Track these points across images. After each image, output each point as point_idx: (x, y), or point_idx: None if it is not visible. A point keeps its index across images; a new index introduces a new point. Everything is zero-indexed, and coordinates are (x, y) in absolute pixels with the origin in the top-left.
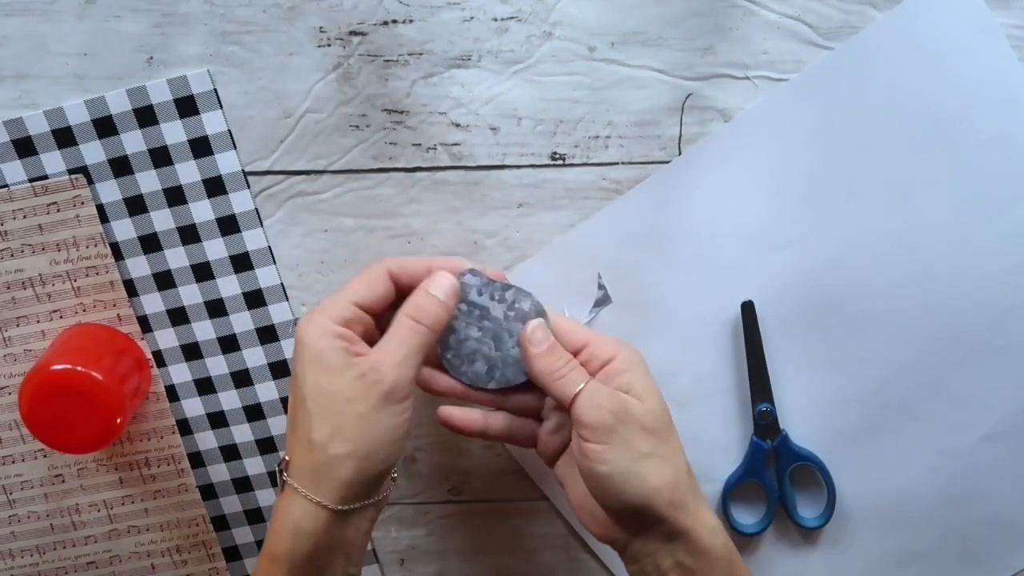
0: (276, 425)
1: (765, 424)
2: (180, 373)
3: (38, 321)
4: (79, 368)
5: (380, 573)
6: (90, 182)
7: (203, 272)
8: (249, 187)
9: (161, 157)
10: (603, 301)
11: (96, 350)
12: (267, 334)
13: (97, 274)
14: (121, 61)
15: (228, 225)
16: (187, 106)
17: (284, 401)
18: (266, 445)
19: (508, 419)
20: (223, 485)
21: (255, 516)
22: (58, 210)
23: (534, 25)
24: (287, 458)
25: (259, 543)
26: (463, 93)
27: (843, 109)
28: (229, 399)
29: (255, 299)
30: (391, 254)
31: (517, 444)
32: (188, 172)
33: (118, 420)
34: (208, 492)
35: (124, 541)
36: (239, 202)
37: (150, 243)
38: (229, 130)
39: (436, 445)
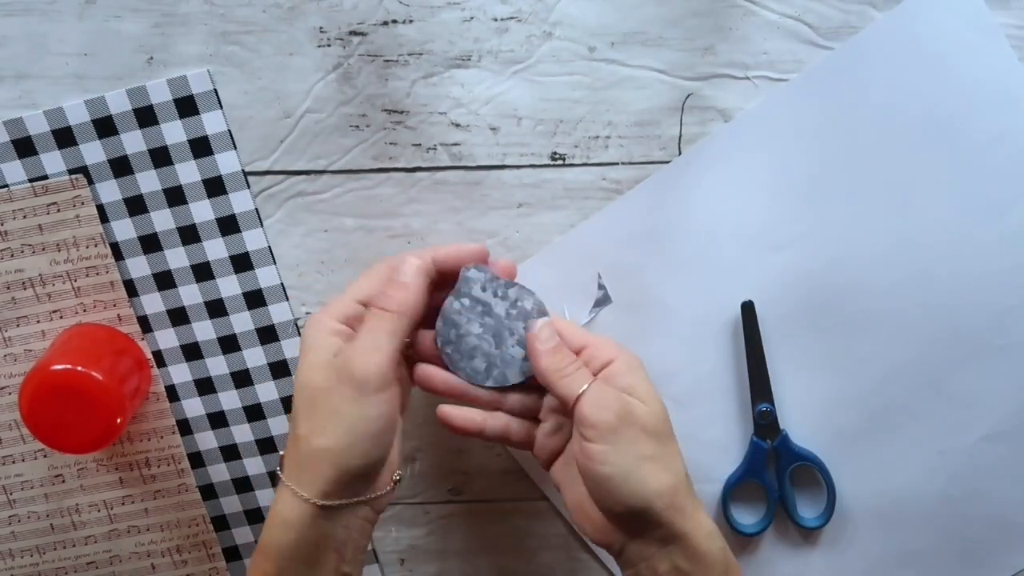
0: (276, 425)
1: (765, 424)
2: (180, 373)
3: (38, 321)
4: (79, 368)
5: (380, 573)
6: (90, 182)
7: (203, 272)
8: (249, 187)
9: (161, 157)
10: (603, 301)
11: (96, 350)
12: (267, 334)
13: (97, 274)
14: (121, 61)
15: (228, 225)
16: (187, 106)
17: (284, 401)
18: (266, 445)
19: (506, 419)
20: (223, 485)
21: (255, 516)
22: (58, 210)
23: (534, 25)
24: (282, 453)
25: None
26: (463, 93)
27: (843, 109)
28: (229, 399)
29: (255, 299)
30: (391, 254)
31: (514, 445)
32: (188, 172)
33: (118, 420)
34: (208, 492)
35: (124, 541)
36: (239, 202)
37: (150, 243)
38: (229, 130)
39: (436, 445)
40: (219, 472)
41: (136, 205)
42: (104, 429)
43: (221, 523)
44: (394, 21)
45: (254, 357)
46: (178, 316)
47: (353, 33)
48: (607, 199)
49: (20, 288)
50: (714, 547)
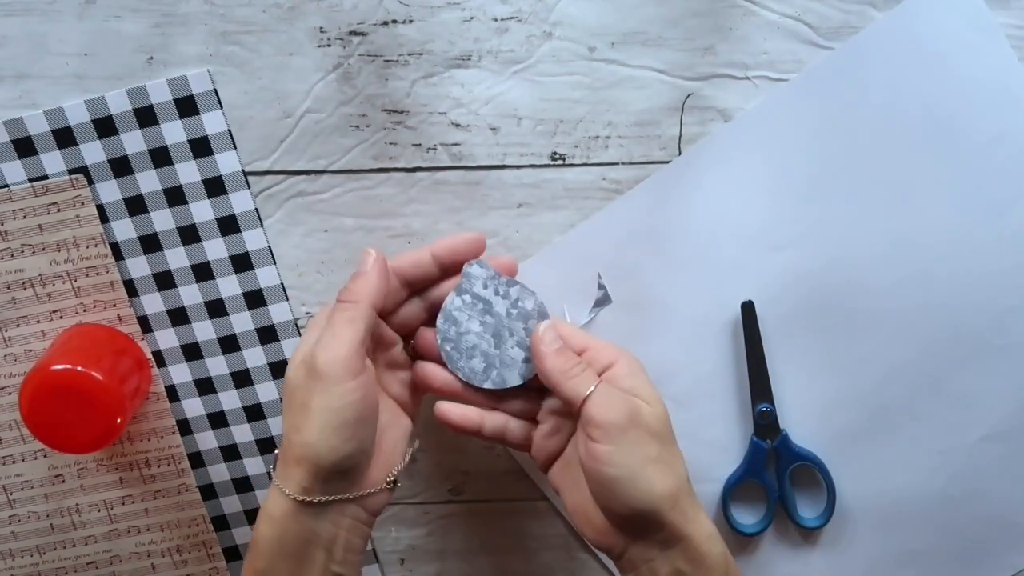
0: (276, 425)
1: (765, 424)
2: (180, 373)
3: (38, 321)
4: (79, 368)
5: (380, 573)
6: (90, 182)
7: (203, 272)
8: (249, 187)
9: (161, 157)
10: (603, 301)
11: (96, 350)
12: (267, 334)
13: (97, 274)
14: (121, 61)
15: (228, 225)
16: (187, 106)
17: None
18: (266, 445)
19: (504, 419)
20: (223, 485)
21: (255, 516)
22: (58, 210)
23: (534, 25)
24: (276, 451)
25: None
26: (463, 93)
27: (843, 109)
28: (229, 399)
29: (255, 299)
30: (391, 254)
31: (512, 446)
32: (188, 172)
33: (118, 420)
34: (208, 492)
35: (124, 541)
36: (239, 202)
37: (150, 243)
38: (229, 130)
39: (436, 445)
40: (219, 472)
41: (136, 205)
42: (104, 429)
43: (221, 523)
44: (394, 21)
45: (254, 357)
46: (178, 316)
47: (353, 33)
48: (607, 199)
49: (20, 288)
50: (715, 550)
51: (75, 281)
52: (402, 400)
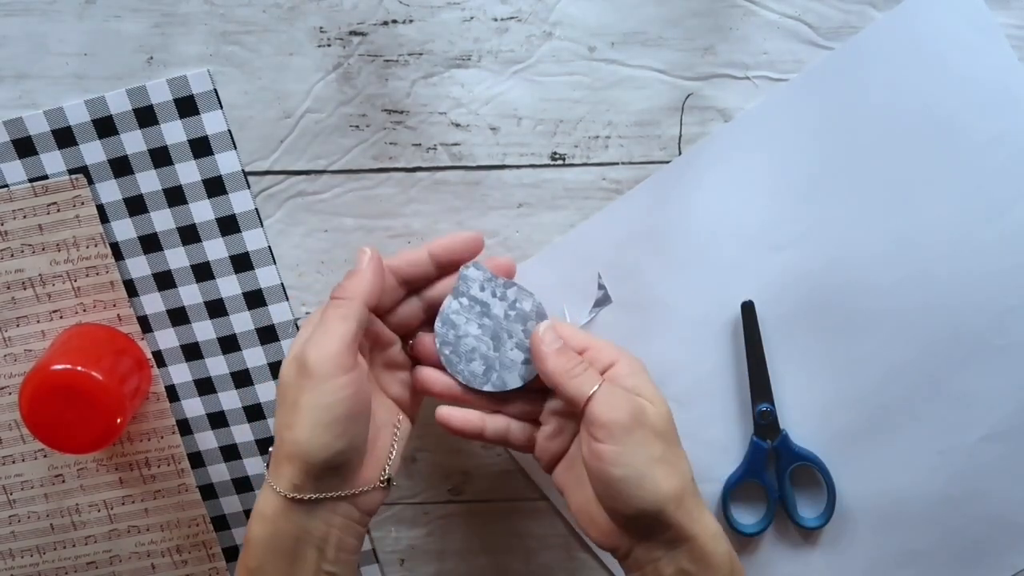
0: None
1: (765, 424)
2: (180, 373)
3: (38, 321)
4: (79, 368)
5: (380, 573)
6: (90, 182)
7: (203, 272)
8: (249, 187)
9: (161, 157)
10: (603, 301)
11: (96, 350)
12: (267, 334)
13: (97, 274)
14: (121, 61)
15: (228, 225)
16: (187, 106)
17: None
18: (266, 445)
19: (506, 422)
20: (223, 485)
21: None
22: (58, 210)
23: (534, 25)
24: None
25: None
26: (463, 93)
27: (843, 109)
28: (229, 399)
29: (255, 299)
30: (391, 254)
31: (515, 448)
32: (188, 172)
33: (118, 420)
34: (208, 492)
35: (124, 541)
36: (239, 202)
37: (150, 243)
38: (229, 130)
39: (436, 445)
40: (219, 472)
41: (136, 205)
42: (104, 429)
43: (221, 523)
44: (394, 21)
45: (254, 357)
46: (178, 316)
47: (353, 33)
48: (607, 199)
49: (20, 288)
50: (720, 549)
51: (75, 281)
52: (402, 400)
